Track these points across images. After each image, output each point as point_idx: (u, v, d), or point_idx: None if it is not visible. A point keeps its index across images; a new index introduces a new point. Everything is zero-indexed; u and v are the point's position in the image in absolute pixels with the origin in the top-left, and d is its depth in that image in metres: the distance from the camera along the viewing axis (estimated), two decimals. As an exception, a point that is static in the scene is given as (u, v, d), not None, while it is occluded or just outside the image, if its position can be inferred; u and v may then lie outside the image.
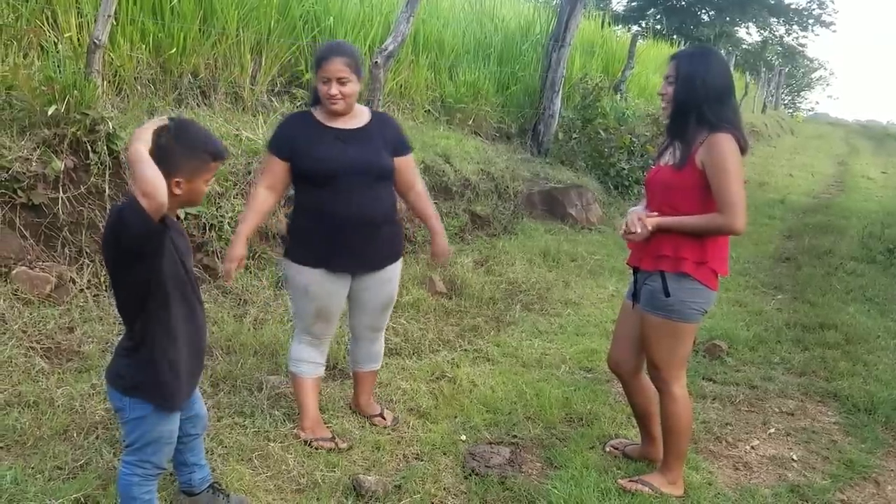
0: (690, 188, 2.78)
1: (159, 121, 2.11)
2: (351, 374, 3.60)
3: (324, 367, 3.34)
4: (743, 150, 2.77)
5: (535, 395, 3.84)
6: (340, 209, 3.00)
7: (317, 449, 3.15)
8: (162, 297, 2.17)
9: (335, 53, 2.96)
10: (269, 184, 3.05)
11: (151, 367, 2.20)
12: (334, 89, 2.95)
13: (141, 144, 2.00)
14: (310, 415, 3.26)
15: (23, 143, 4.05)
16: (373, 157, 3.05)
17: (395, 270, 3.27)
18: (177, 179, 2.11)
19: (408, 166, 3.21)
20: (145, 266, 2.12)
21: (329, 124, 3.04)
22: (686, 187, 2.79)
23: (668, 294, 2.83)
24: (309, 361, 3.25)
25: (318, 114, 3.07)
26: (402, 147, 3.18)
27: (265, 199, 3.05)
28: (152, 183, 1.93)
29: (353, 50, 3.06)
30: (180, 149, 2.10)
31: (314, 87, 3.08)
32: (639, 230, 2.82)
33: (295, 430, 3.26)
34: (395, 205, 3.19)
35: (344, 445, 3.20)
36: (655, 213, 2.85)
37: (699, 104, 2.76)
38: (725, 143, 2.72)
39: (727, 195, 2.71)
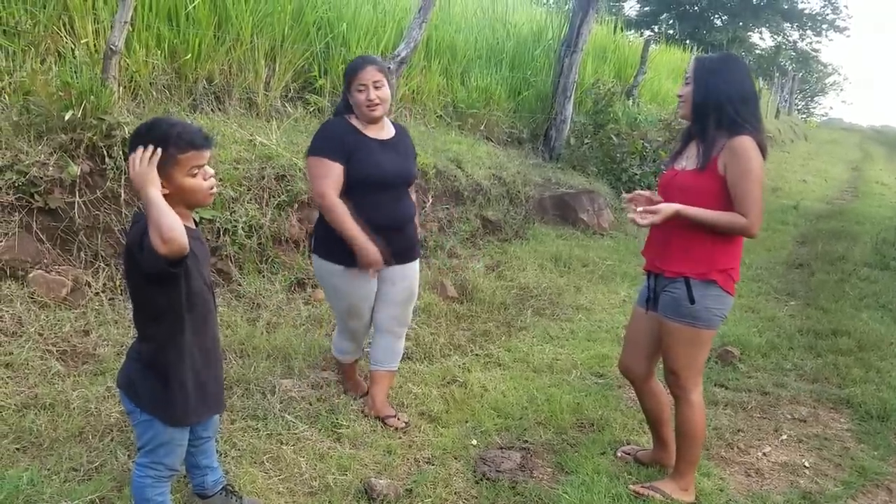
0: (711, 193, 2.76)
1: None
2: (369, 374, 3.64)
3: (361, 352, 3.73)
4: (763, 155, 2.77)
5: (546, 401, 3.85)
6: (384, 212, 3.25)
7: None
8: (174, 319, 2.19)
9: (368, 62, 3.19)
10: (337, 188, 3.14)
11: (159, 384, 2.22)
12: (373, 94, 3.14)
13: (153, 188, 2.01)
14: (352, 384, 3.75)
15: (40, 147, 4.10)
16: (409, 166, 3.37)
17: (416, 266, 3.52)
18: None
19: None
20: (159, 291, 2.15)
21: (369, 134, 3.23)
22: (706, 192, 2.77)
23: (692, 301, 2.82)
24: (347, 352, 3.63)
25: (355, 122, 3.24)
26: (416, 157, 3.51)
27: (343, 203, 3.14)
28: (170, 229, 1.93)
29: (381, 60, 3.36)
30: None
31: (343, 98, 3.28)
32: (646, 221, 2.81)
33: (305, 431, 3.30)
34: (415, 207, 3.47)
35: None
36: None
37: (720, 104, 2.75)
38: (748, 146, 2.70)
39: (749, 197, 2.70)
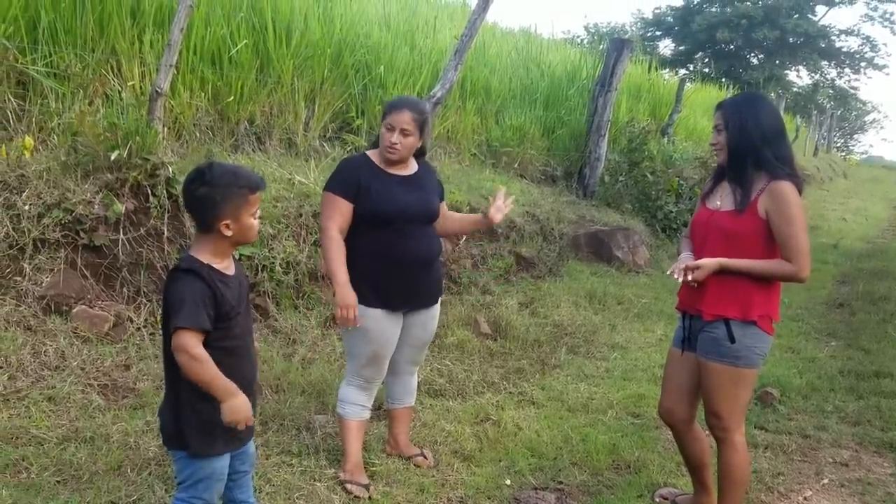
0: (753, 235, 2.77)
1: None
2: (387, 413, 3.59)
3: (369, 411, 3.35)
4: (799, 192, 2.76)
5: (581, 441, 3.81)
6: (403, 250, 3.15)
7: (349, 492, 3.15)
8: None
9: (407, 106, 3.14)
10: (340, 225, 3.09)
11: (182, 416, 2.27)
12: (395, 138, 3.11)
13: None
14: (352, 458, 3.26)
15: (86, 186, 4.23)
16: (429, 201, 3.26)
17: (438, 307, 3.44)
18: (225, 222, 2.21)
19: (446, 209, 3.47)
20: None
21: (388, 170, 3.18)
22: (748, 234, 2.77)
23: (733, 340, 2.79)
24: (355, 404, 3.27)
25: (376, 158, 3.21)
26: (443, 193, 3.43)
27: (342, 241, 3.10)
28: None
29: (424, 108, 3.26)
30: (216, 193, 2.19)
31: (378, 132, 3.22)
32: (689, 278, 2.81)
33: (336, 471, 3.28)
34: (441, 245, 3.38)
35: (374, 495, 3.16)
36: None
37: (756, 147, 2.76)
38: (789, 192, 2.71)
39: (796, 244, 2.70)
